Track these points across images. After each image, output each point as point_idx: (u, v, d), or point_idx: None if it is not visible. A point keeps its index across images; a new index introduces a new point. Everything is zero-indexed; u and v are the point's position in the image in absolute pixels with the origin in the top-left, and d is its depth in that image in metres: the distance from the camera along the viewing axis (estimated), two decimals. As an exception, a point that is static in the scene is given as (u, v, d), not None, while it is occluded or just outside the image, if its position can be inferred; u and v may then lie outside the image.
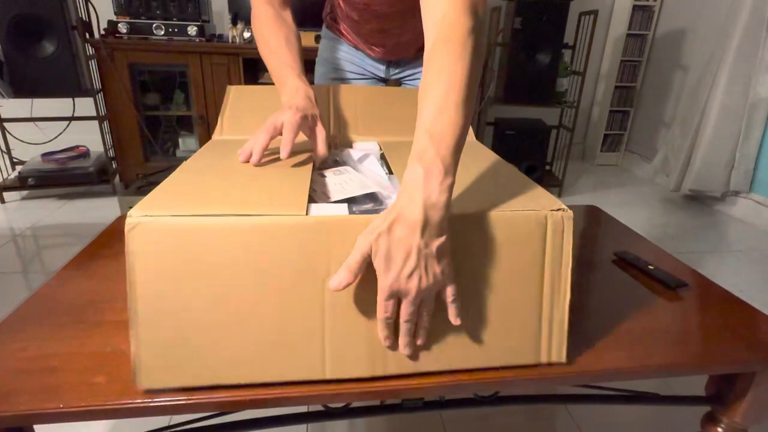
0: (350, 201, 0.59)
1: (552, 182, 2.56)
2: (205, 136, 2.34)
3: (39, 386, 0.42)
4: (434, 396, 0.55)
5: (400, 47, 0.98)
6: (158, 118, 2.44)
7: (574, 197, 2.54)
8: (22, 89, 2.02)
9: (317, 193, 0.60)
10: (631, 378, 0.51)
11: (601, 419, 1.04)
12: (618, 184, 2.82)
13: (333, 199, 0.58)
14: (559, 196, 2.52)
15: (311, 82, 0.73)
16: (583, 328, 0.55)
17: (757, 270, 1.79)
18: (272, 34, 0.75)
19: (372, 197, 0.61)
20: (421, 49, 1.00)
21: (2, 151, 2.19)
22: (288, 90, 0.68)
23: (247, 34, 2.28)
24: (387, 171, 0.71)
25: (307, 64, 0.79)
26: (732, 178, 2.31)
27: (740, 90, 2.21)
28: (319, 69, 1.08)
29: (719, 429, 0.59)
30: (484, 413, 1.04)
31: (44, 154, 2.21)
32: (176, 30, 2.16)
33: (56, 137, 2.30)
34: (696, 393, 0.60)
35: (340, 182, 0.62)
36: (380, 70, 1.04)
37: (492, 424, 1.02)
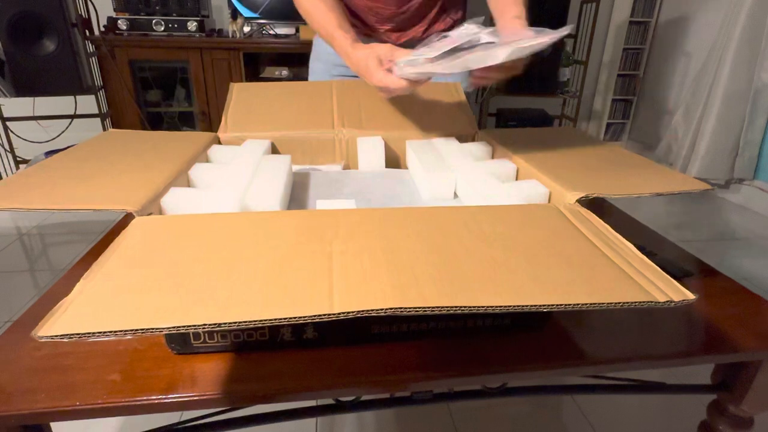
0: (467, 50, 0.57)
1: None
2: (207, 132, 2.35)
3: (55, 384, 0.43)
4: (443, 388, 0.56)
5: (412, 19, 0.96)
6: (160, 114, 2.44)
7: (578, 187, 2.54)
8: (23, 88, 2.02)
9: (425, 56, 0.58)
10: (637, 367, 0.51)
11: (607, 408, 1.05)
12: (621, 173, 2.81)
13: (443, 51, 0.56)
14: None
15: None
16: (588, 318, 0.56)
17: (761, 257, 1.79)
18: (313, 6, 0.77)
19: (489, 44, 0.58)
20: (432, 25, 0.99)
21: (6, 149, 2.19)
22: (355, 54, 0.69)
23: (246, 29, 2.27)
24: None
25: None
26: (736, 166, 2.30)
27: (744, 76, 2.20)
28: (317, 66, 1.04)
29: (725, 417, 0.59)
30: (491, 403, 1.05)
31: (48, 153, 2.22)
32: (176, 26, 2.16)
33: (59, 135, 2.30)
34: (702, 381, 0.61)
35: (450, 40, 0.59)
36: None
37: (499, 413, 1.03)
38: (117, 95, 2.22)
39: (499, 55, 0.54)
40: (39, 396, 0.42)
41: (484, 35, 0.58)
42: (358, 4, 0.96)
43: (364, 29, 0.99)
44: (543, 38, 0.54)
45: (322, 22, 0.76)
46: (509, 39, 0.56)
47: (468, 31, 0.60)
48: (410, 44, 1.00)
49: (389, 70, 0.63)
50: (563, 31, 0.55)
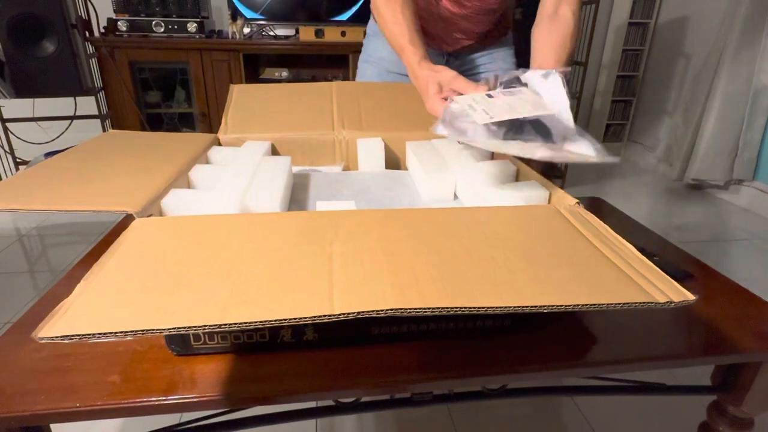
0: (517, 129, 0.54)
1: (555, 173, 2.56)
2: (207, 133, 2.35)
3: (55, 386, 0.43)
4: (443, 389, 0.56)
5: (464, 34, 0.95)
6: (160, 115, 2.44)
7: (577, 188, 2.54)
8: (23, 89, 2.02)
9: (477, 112, 0.54)
10: (637, 369, 0.51)
11: (607, 409, 1.05)
12: (621, 174, 2.81)
13: (495, 120, 0.52)
14: (561, 187, 2.52)
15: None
16: (588, 319, 0.56)
17: (761, 259, 1.79)
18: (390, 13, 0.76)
19: (543, 131, 0.54)
20: (486, 35, 0.98)
21: (5, 151, 2.19)
22: (421, 73, 0.68)
23: (246, 30, 2.27)
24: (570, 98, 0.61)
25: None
26: (735, 167, 2.30)
27: (743, 77, 2.20)
28: (369, 69, 1.02)
29: (725, 418, 0.59)
30: (491, 404, 1.05)
31: (47, 154, 2.22)
32: (176, 27, 2.16)
33: (59, 136, 2.30)
34: (702, 383, 0.61)
35: (510, 102, 0.55)
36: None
37: (499, 414, 1.03)
38: (117, 96, 2.22)
39: (535, 153, 0.53)
40: (39, 397, 0.42)
41: (547, 116, 0.54)
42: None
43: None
44: (588, 152, 0.53)
45: (395, 31, 0.74)
46: (562, 141, 0.54)
47: (540, 99, 0.56)
48: (458, 54, 0.99)
49: (446, 98, 0.61)
50: (611, 159, 0.53)
